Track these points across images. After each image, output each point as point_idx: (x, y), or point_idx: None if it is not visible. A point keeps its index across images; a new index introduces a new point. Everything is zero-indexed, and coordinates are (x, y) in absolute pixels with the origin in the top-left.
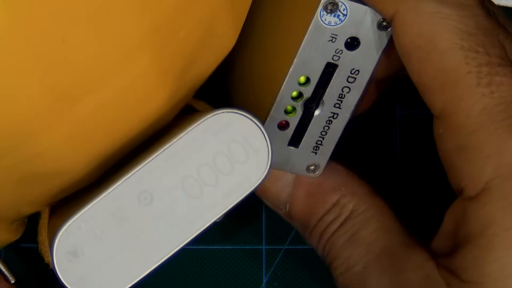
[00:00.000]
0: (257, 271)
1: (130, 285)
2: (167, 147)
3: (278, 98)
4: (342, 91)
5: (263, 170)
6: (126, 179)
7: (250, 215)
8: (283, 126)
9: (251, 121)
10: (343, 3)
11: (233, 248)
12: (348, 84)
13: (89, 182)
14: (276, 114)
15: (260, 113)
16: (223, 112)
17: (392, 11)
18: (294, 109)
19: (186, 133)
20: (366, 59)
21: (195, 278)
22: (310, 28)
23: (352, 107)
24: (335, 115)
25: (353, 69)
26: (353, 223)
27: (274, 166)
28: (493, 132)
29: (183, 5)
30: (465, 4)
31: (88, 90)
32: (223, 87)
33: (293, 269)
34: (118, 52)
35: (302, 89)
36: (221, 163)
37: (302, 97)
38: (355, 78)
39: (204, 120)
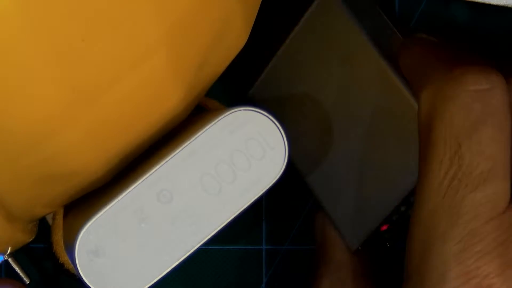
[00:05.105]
0: (257, 271)
1: (152, 283)
2: (186, 145)
3: None
4: None
5: (280, 166)
6: (146, 178)
7: (250, 215)
8: None
9: (267, 119)
10: None
11: (233, 248)
12: None
13: (104, 182)
14: None
15: None
16: (240, 110)
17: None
18: None
19: (204, 131)
20: None
21: (195, 278)
22: None
23: None
24: None
25: None
26: None
27: None
28: None
29: (198, 5)
30: None
31: (106, 88)
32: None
33: (293, 269)
34: (136, 50)
35: None
36: (239, 160)
37: None
38: None
39: (222, 118)
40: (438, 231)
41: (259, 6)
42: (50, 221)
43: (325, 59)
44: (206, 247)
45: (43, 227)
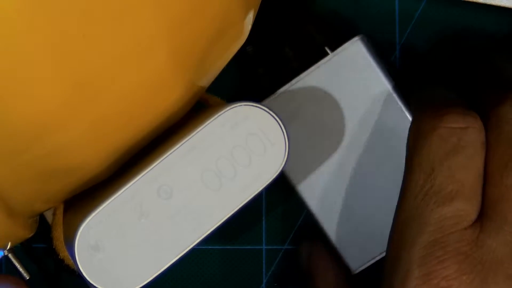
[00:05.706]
0: (257, 271)
1: (152, 278)
2: (186, 141)
3: None
4: None
5: (281, 162)
6: (146, 173)
7: (250, 215)
8: None
9: (268, 114)
10: None
11: (233, 248)
12: None
13: (104, 177)
14: None
15: None
16: (240, 105)
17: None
18: None
19: (204, 126)
20: None
21: (195, 278)
22: None
23: None
24: None
25: None
26: None
27: None
28: None
29: (198, 2)
30: None
31: (107, 84)
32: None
33: (293, 269)
34: (136, 48)
35: None
36: (239, 155)
37: None
38: None
39: (222, 114)
40: (408, 238)
41: (259, 5)
42: (50, 217)
43: (341, 95)
44: (206, 247)
45: (42, 226)
